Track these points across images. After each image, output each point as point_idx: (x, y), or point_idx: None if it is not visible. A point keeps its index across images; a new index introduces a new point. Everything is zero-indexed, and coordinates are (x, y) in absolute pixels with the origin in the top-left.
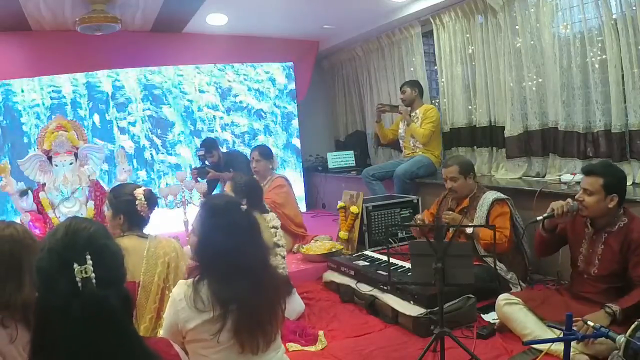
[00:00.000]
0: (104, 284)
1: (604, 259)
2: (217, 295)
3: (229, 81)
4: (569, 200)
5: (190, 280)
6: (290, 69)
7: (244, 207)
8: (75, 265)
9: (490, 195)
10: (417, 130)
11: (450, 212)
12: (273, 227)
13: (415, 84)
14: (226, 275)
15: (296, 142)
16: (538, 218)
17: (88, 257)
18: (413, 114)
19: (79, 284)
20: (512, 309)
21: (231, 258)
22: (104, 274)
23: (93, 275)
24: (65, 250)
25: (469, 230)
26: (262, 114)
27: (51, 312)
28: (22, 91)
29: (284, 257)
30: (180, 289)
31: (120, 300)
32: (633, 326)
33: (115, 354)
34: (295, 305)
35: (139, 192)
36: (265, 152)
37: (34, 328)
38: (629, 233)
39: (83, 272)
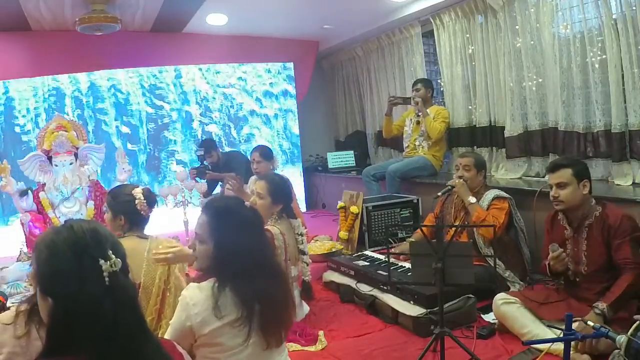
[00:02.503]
0: (125, 274)
1: (591, 254)
2: (242, 296)
3: (229, 81)
4: (552, 253)
5: (204, 284)
6: (290, 69)
7: (248, 204)
8: (102, 261)
9: (492, 192)
10: (432, 124)
11: (456, 179)
12: (299, 234)
13: (429, 84)
14: (248, 275)
15: (296, 142)
16: (559, 282)
17: (110, 251)
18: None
19: (107, 279)
20: (509, 308)
21: (250, 256)
22: (123, 265)
23: (120, 267)
24: (88, 249)
25: (472, 200)
26: (262, 114)
27: (80, 314)
28: (22, 91)
29: (308, 265)
30: (193, 293)
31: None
32: (635, 325)
33: (142, 342)
34: (303, 308)
35: (138, 192)
36: (266, 153)
37: (53, 330)
38: (606, 219)
39: (112, 265)
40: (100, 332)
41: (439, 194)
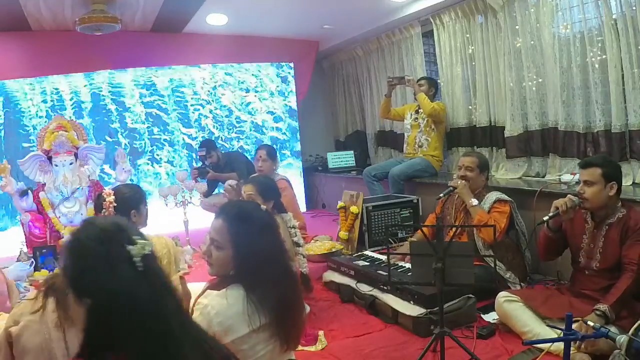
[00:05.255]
0: (155, 259)
1: (606, 251)
2: (268, 302)
3: (229, 81)
4: (570, 196)
5: (228, 292)
6: (290, 69)
7: (264, 207)
8: (129, 246)
9: (494, 195)
10: (426, 100)
11: (458, 180)
12: (292, 227)
13: (432, 82)
14: (272, 280)
15: (296, 142)
16: (544, 218)
17: (136, 237)
18: (421, 110)
19: (138, 264)
20: (511, 306)
21: (272, 260)
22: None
23: (150, 250)
24: (113, 237)
25: (474, 202)
26: (262, 114)
27: (117, 306)
28: (23, 92)
29: (304, 257)
30: (215, 302)
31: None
32: (636, 325)
33: (183, 329)
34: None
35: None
36: (271, 152)
37: (92, 331)
38: (627, 221)
39: (142, 248)
40: (139, 322)
41: (441, 195)
